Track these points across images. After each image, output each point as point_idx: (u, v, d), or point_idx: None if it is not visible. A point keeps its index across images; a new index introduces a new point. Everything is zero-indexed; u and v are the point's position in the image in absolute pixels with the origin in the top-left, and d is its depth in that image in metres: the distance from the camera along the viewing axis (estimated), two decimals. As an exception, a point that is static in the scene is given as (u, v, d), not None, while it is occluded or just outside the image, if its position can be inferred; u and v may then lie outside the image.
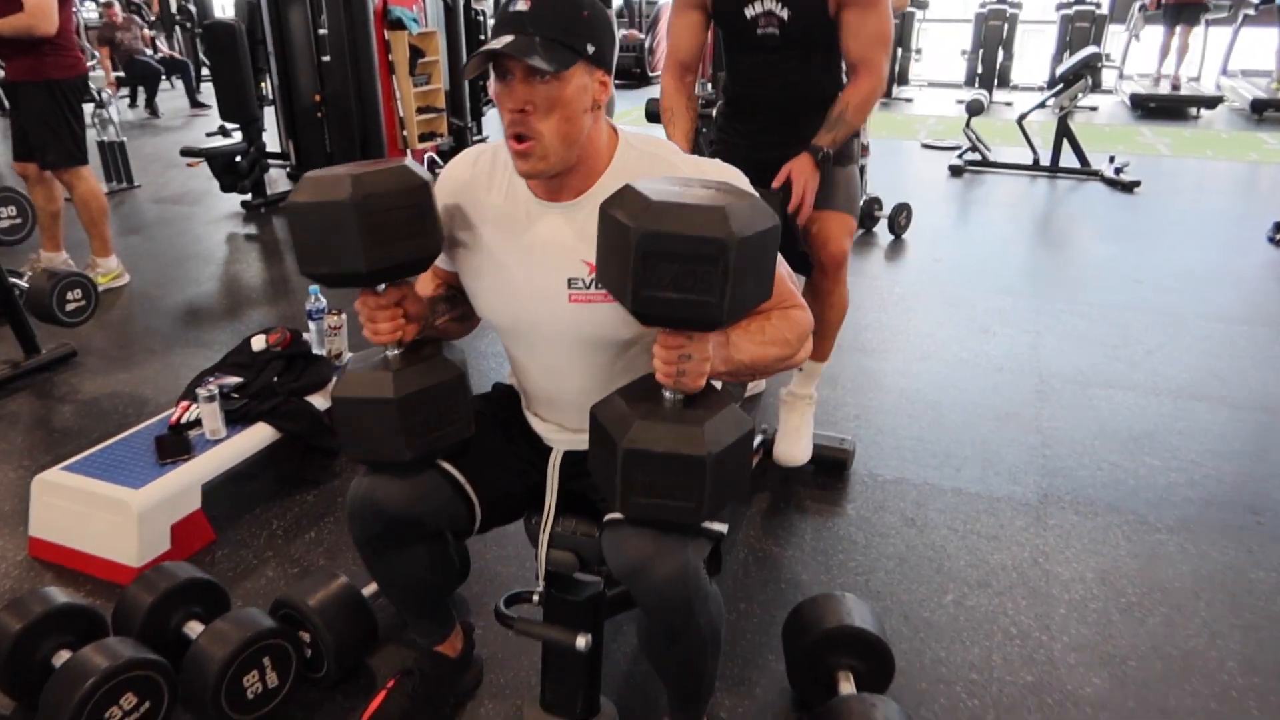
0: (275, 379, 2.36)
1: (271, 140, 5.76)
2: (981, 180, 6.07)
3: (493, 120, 7.99)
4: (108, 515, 1.95)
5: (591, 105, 1.19)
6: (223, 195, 5.24)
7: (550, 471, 1.42)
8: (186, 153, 4.93)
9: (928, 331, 3.37)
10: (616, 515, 1.24)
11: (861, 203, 2.33)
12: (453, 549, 1.55)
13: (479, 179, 1.32)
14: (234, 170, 4.99)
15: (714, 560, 1.32)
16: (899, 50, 9.68)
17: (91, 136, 7.29)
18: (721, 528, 1.29)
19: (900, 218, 4.56)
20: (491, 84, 1.17)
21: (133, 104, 9.43)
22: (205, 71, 9.32)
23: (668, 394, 1.15)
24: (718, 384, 1.32)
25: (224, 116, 5.16)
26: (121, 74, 9.40)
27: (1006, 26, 9.76)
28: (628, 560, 1.19)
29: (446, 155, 6.42)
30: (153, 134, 7.91)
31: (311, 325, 2.57)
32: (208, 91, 8.73)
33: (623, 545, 1.20)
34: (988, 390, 2.86)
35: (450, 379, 1.29)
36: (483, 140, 7.24)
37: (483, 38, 6.99)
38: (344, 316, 2.55)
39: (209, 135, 5.97)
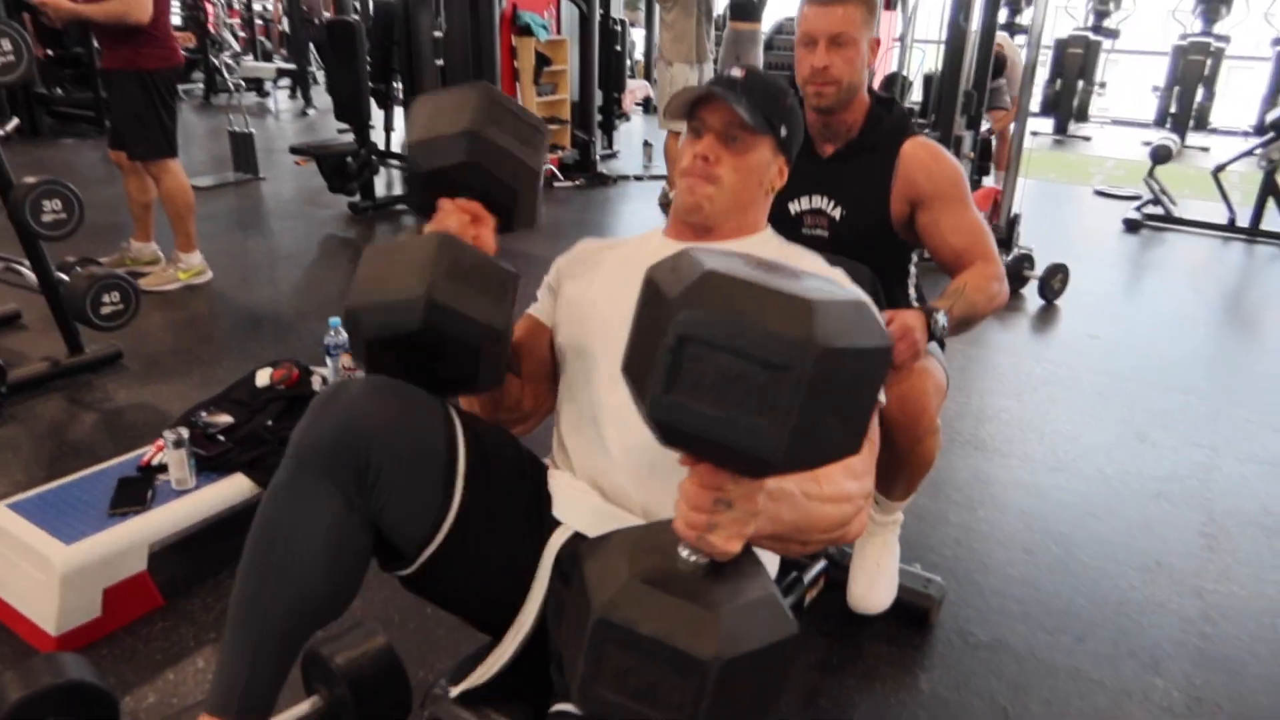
0: (270, 422, 2.08)
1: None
2: (1162, 239, 5.24)
3: (624, 135, 7.72)
4: (33, 570, 1.70)
5: (768, 186, 1.29)
6: (335, 195, 5.17)
7: (545, 558, 1.13)
8: (296, 150, 4.87)
9: (1068, 432, 2.75)
10: (565, 708, 0.92)
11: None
12: (367, 552, 1.10)
13: (605, 248, 1.36)
14: (343, 171, 4.89)
15: None
16: (1080, 83, 8.74)
17: (207, 124, 7.60)
18: None
19: (1054, 280, 3.90)
20: (681, 138, 1.30)
21: (293, 95, 9.77)
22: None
23: (685, 552, 0.81)
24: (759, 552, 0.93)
25: (338, 117, 5.07)
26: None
27: (1209, 62, 8.61)
28: None
29: (569, 169, 6.18)
30: (305, 126, 8.11)
31: (328, 362, 2.28)
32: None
33: None
34: (1136, 526, 2.25)
35: (501, 270, 1.14)
36: (612, 155, 6.96)
37: (619, 48, 6.71)
38: (361, 355, 2.25)
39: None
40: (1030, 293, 4.02)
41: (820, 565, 1.88)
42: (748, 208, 1.26)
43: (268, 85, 9.60)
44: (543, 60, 5.71)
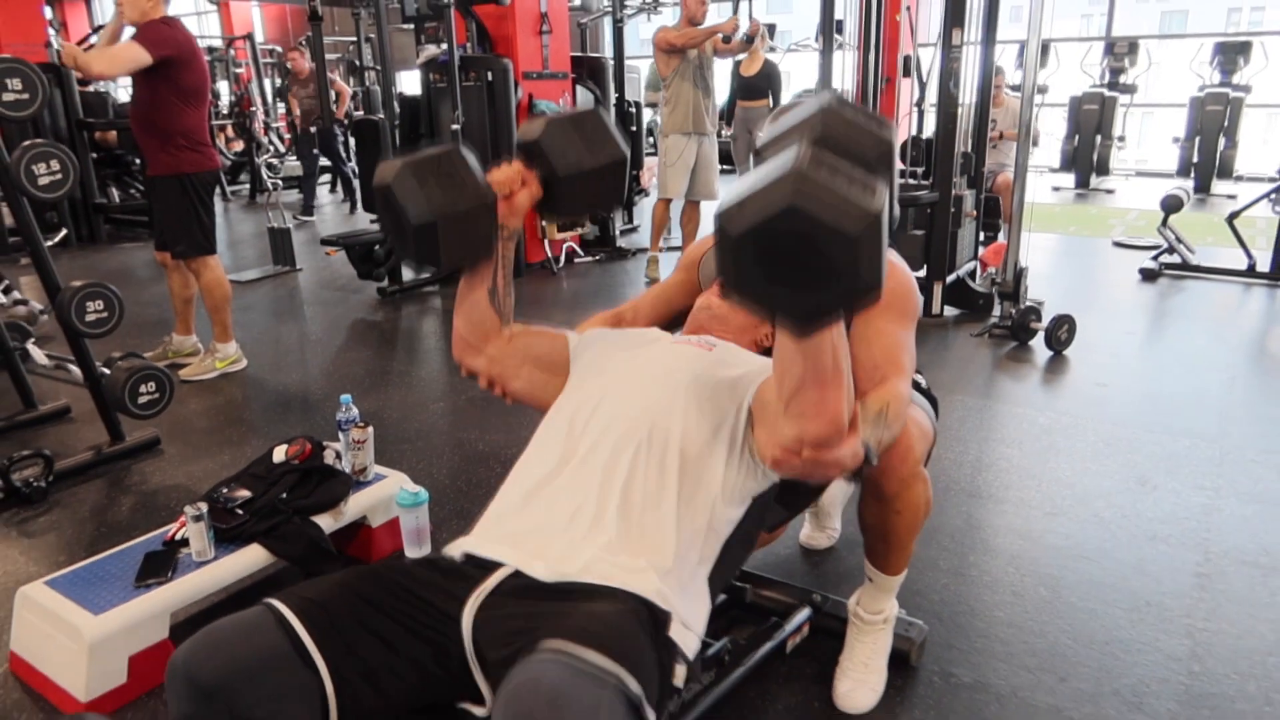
0: (284, 495, 2.23)
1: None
2: (1180, 287, 5.25)
3: (643, 210, 7.98)
4: (65, 640, 1.84)
5: (758, 338, 1.64)
6: (364, 281, 5.44)
7: (467, 613, 1.18)
8: (326, 242, 5.16)
9: (1067, 478, 2.78)
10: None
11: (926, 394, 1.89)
12: None
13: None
14: (370, 259, 5.15)
15: None
16: (1098, 137, 8.84)
17: (248, 222, 7.99)
18: (637, 689, 1.01)
19: (1060, 331, 3.94)
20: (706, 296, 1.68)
21: (332, 189, 10.28)
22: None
23: None
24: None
25: (365, 208, 5.37)
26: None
27: (1228, 111, 8.66)
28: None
29: (590, 245, 6.42)
30: (344, 218, 8.52)
31: (340, 436, 2.44)
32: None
33: (520, 694, 0.95)
34: (1129, 567, 2.27)
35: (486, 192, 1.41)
36: (632, 229, 7.20)
37: (634, 128, 7.00)
38: (370, 430, 2.40)
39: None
40: (1039, 345, 4.06)
41: (805, 613, 1.95)
42: (739, 340, 1.60)
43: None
44: (560, 145, 5.99)
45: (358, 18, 7.73)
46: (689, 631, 1.24)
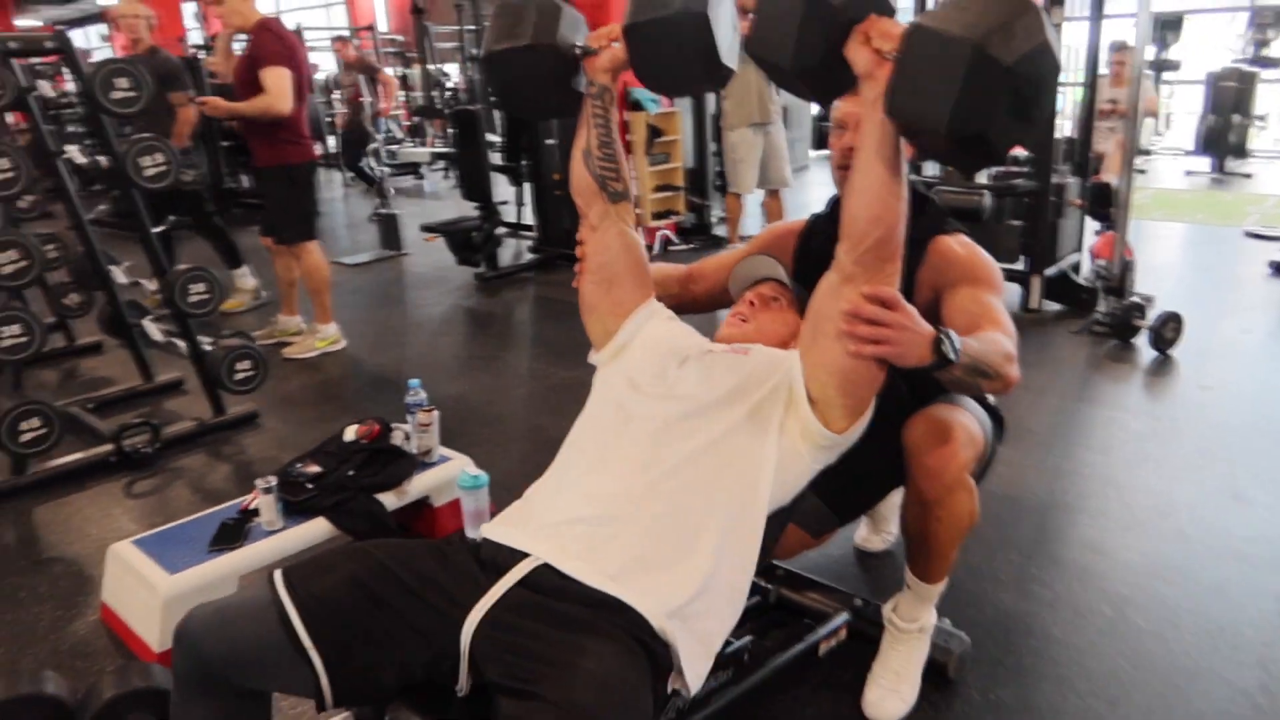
0: (351, 472, 2.35)
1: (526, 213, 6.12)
2: (1317, 283, 4.82)
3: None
4: (144, 595, 2.01)
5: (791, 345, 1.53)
6: (462, 269, 5.61)
7: (469, 625, 1.19)
8: (426, 229, 5.34)
9: (1154, 489, 2.62)
10: None
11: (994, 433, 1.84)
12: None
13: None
14: (469, 245, 5.32)
15: None
16: (1236, 117, 8.17)
17: (363, 206, 8.29)
18: None
19: (1166, 329, 3.69)
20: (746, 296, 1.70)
21: (445, 176, 10.61)
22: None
23: None
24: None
25: (465, 196, 5.54)
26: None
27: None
28: None
29: (686, 232, 6.42)
30: (455, 205, 8.80)
31: (408, 419, 2.54)
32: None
33: None
34: (1207, 589, 2.13)
35: None
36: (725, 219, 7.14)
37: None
38: (435, 414, 2.49)
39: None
40: (1143, 343, 3.82)
41: (842, 617, 1.91)
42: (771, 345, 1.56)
43: (423, 169, 10.51)
44: (655, 132, 6.00)
45: (460, 9, 7.92)
46: (693, 668, 1.23)
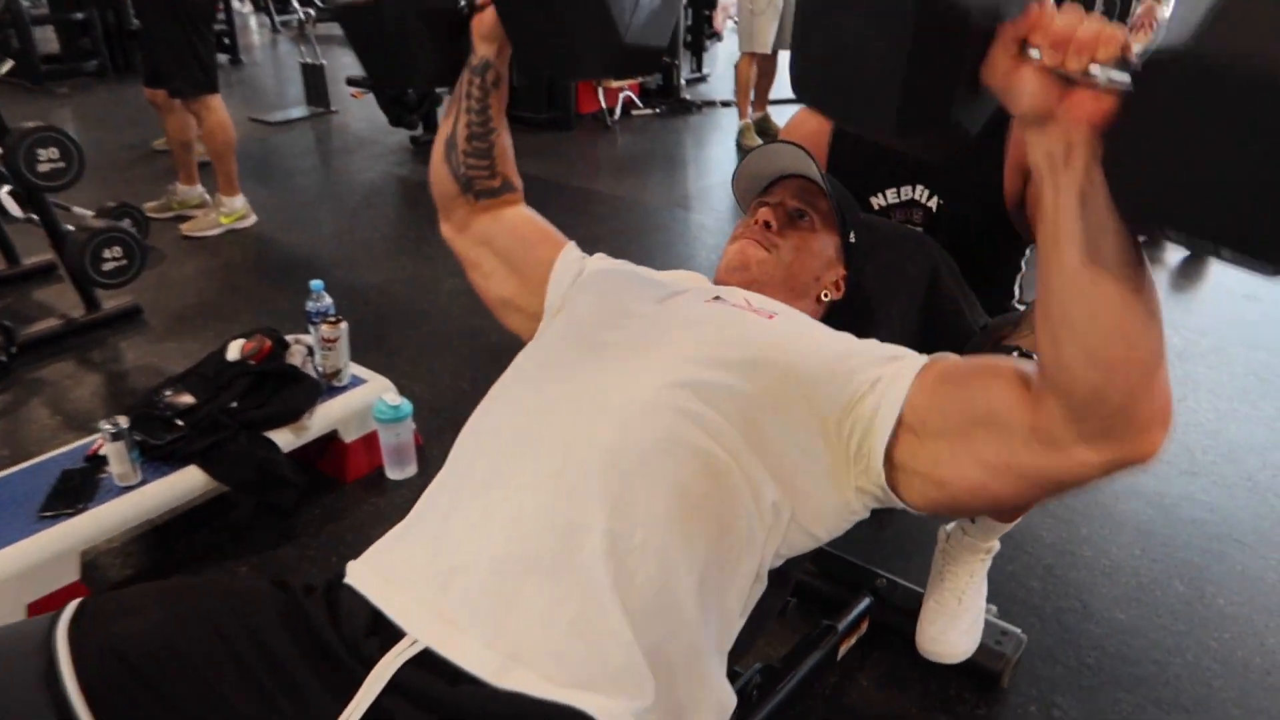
0: (233, 404, 1.83)
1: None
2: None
3: (715, 57, 7.16)
4: (-53, 582, 1.51)
5: (821, 288, 1.14)
6: (396, 130, 4.90)
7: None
8: (351, 82, 4.61)
9: (1209, 425, 2.22)
10: None
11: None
12: None
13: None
14: (401, 102, 4.60)
15: None
16: None
17: (295, 56, 7.40)
18: None
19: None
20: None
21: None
22: None
23: None
24: None
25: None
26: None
27: None
28: None
29: (650, 95, 5.74)
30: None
31: (309, 330, 2.01)
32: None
33: None
34: (1293, 556, 1.76)
35: None
36: (700, 79, 6.44)
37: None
38: (344, 326, 1.96)
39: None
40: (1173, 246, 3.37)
41: (863, 604, 1.51)
42: (797, 296, 1.11)
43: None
44: (620, -23, 5.22)
45: None
46: None
